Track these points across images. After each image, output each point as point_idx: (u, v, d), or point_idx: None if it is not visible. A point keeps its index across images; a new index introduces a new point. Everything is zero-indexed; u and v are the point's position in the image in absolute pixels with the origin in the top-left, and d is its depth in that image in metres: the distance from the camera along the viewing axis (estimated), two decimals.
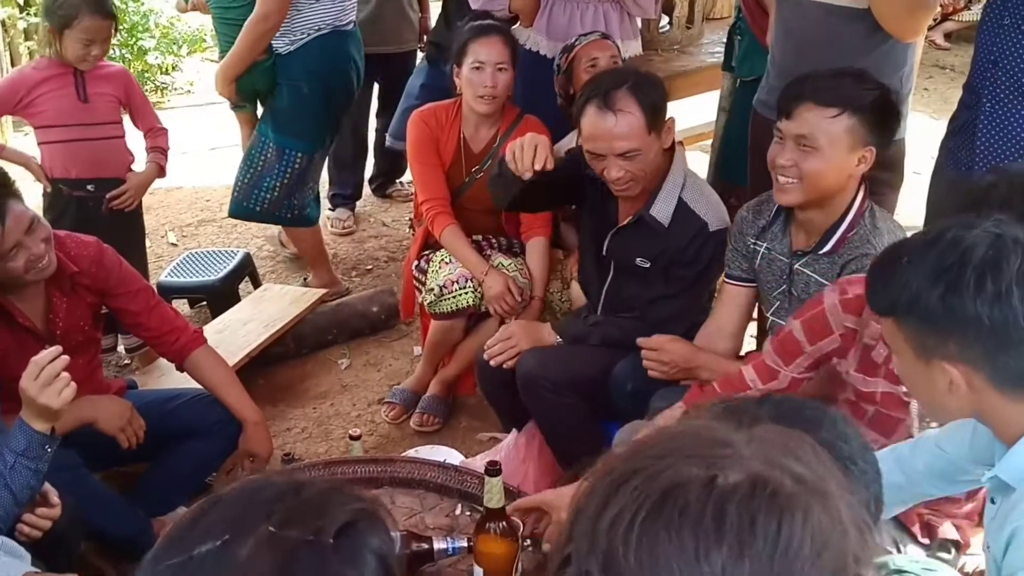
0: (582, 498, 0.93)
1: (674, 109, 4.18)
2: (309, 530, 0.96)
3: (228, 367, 3.31)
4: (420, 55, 5.41)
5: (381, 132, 5.45)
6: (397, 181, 5.93)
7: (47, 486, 2.43)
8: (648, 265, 3.08)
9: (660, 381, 2.88)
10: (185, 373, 3.23)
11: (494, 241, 3.92)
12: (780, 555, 0.83)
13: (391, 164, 5.83)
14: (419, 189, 3.88)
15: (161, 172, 4.23)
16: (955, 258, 1.61)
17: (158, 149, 4.22)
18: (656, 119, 2.93)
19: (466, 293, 3.62)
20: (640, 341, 2.91)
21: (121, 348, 4.31)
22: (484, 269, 3.63)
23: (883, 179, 3.03)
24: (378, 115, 5.61)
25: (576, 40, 3.74)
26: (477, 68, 3.60)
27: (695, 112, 5.46)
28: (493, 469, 2.25)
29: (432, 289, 3.66)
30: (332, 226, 5.60)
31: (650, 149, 2.93)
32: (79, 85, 3.85)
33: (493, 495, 2.24)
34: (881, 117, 2.55)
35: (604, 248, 3.18)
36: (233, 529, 0.97)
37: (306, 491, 1.03)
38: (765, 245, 2.81)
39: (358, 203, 5.81)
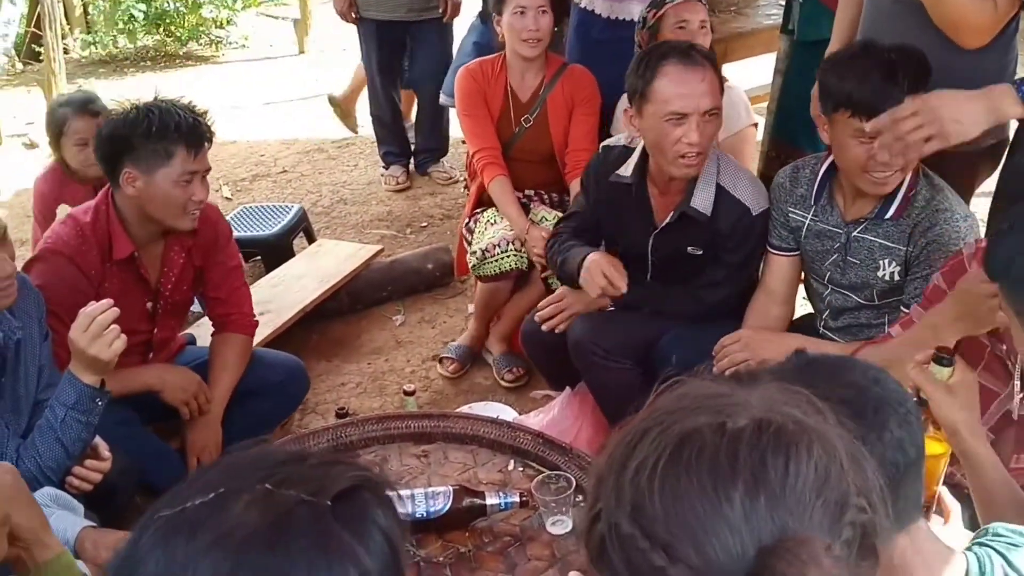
0: (603, 464, 0.98)
1: (730, 70, 4.12)
2: (307, 491, 0.94)
3: (241, 366, 3.17)
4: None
5: (427, 102, 5.41)
6: (441, 160, 5.79)
7: (98, 439, 2.45)
8: (700, 252, 3.01)
9: (709, 355, 2.83)
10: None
11: (545, 196, 3.90)
12: (790, 488, 0.88)
13: (435, 140, 5.73)
14: (470, 142, 3.89)
15: None
16: None
17: None
18: (722, 81, 2.87)
19: (508, 257, 3.62)
20: (716, 348, 2.85)
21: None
22: (524, 226, 3.62)
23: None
24: (413, 84, 5.52)
25: None
26: (519, 13, 3.60)
27: (752, 74, 5.35)
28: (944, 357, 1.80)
29: (475, 252, 3.66)
30: (386, 183, 5.64)
31: (721, 114, 2.86)
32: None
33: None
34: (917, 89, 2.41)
35: (649, 247, 3.08)
36: (229, 485, 0.95)
37: (311, 459, 1.02)
38: (810, 216, 2.75)
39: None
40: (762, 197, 2.93)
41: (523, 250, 3.63)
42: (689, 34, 3.35)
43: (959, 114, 2.20)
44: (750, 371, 1.08)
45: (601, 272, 2.90)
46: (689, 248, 3.00)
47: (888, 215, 2.61)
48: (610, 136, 3.42)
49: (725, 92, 2.94)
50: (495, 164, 3.76)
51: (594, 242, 3.18)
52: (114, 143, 2.75)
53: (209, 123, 2.85)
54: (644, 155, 2.96)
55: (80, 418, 2.36)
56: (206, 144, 2.81)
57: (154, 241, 2.92)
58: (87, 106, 3.67)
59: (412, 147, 5.77)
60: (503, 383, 3.83)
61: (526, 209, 3.78)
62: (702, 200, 2.91)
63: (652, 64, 2.80)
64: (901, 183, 2.57)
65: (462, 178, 5.45)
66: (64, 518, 2.14)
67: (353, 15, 5.16)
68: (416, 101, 5.63)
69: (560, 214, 3.70)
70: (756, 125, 3.73)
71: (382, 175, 5.68)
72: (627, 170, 3.01)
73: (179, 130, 2.72)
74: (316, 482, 0.96)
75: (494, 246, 3.63)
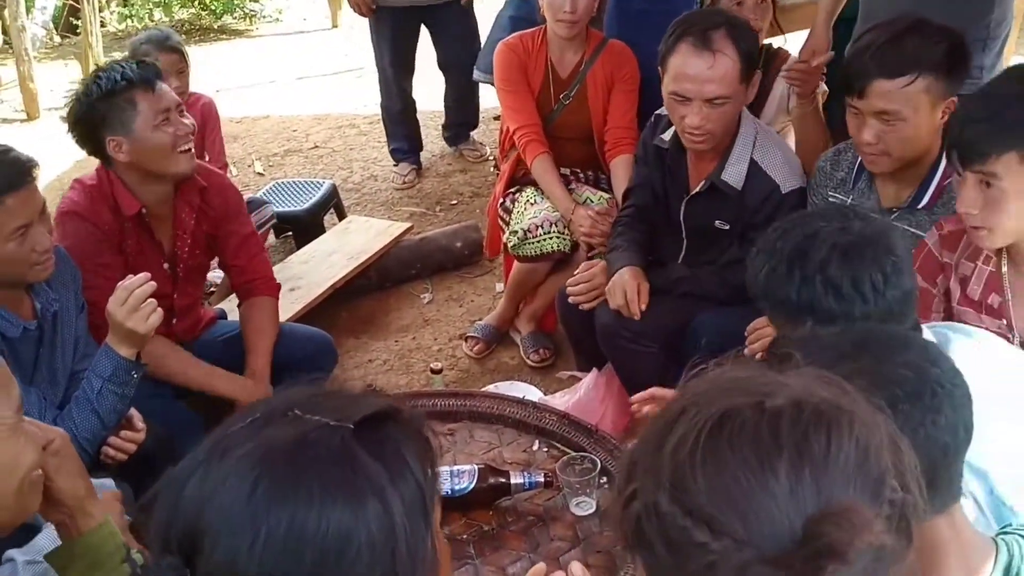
0: (637, 446, 0.98)
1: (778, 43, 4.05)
2: (332, 416, 1.01)
3: (275, 327, 3.17)
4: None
5: (457, 82, 5.37)
6: (471, 136, 5.77)
7: (132, 411, 2.49)
8: (728, 227, 2.98)
9: (739, 337, 2.81)
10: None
11: (582, 175, 3.86)
12: (832, 462, 0.89)
13: (465, 113, 5.69)
14: (510, 118, 3.80)
15: None
16: None
17: None
18: (750, 69, 2.80)
19: (551, 238, 3.57)
20: (749, 329, 2.78)
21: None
22: (570, 207, 3.58)
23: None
24: (440, 66, 5.46)
25: None
26: None
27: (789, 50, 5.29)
28: None
29: (516, 231, 3.62)
30: (394, 180, 5.57)
31: (738, 100, 2.81)
32: None
33: None
34: (954, 65, 2.42)
35: (681, 215, 3.07)
36: (264, 412, 1.04)
37: (345, 391, 1.10)
38: (849, 201, 2.72)
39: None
40: (794, 176, 2.90)
41: (566, 232, 3.58)
42: (747, 9, 3.31)
43: None
44: (785, 352, 1.06)
45: (623, 291, 2.96)
46: (717, 222, 2.99)
47: (922, 204, 2.56)
48: (654, 110, 3.38)
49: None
50: (538, 142, 3.69)
51: (656, 220, 3.17)
52: (84, 123, 2.76)
53: (149, 60, 2.88)
54: None
55: (116, 390, 2.40)
56: (159, 82, 2.79)
57: (161, 204, 2.94)
58: (166, 43, 3.95)
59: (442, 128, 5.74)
60: (529, 363, 3.84)
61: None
62: (734, 174, 2.90)
63: (673, 37, 2.80)
64: (934, 169, 2.53)
65: (492, 156, 5.44)
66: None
67: (372, 5, 5.01)
68: (446, 83, 5.55)
69: (603, 194, 3.72)
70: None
71: (392, 170, 5.62)
72: (667, 135, 3.01)
73: (126, 77, 2.72)
74: (342, 409, 1.03)
75: (536, 227, 3.58)
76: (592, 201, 3.66)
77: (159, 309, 2.38)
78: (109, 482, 2.07)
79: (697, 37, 2.73)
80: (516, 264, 3.78)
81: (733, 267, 2.96)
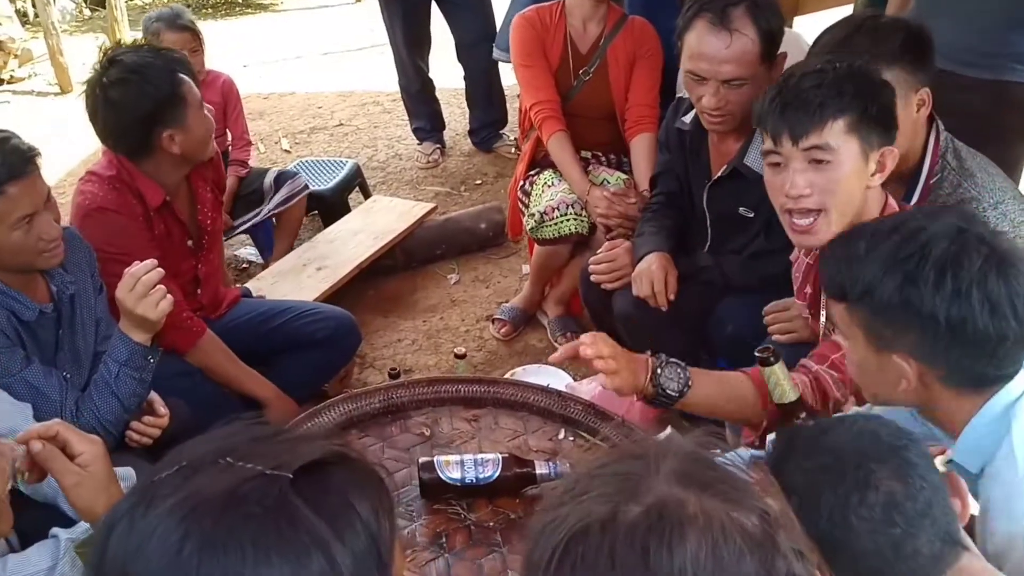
0: (527, 540, 0.97)
1: (802, 24, 4.01)
2: (268, 464, 0.92)
3: (226, 356, 3.05)
4: None
5: (476, 71, 5.27)
6: (501, 133, 5.63)
7: (154, 396, 2.49)
8: (752, 215, 2.89)
9: (764, 325, 2.77)
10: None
11: (603, 158, 3.79)
12: None
13: (493, 111, 5.53)
14: (527, 94, 3.71)
15: (237, 184, 4.27)
16: (915, 249, 1.53)
17: (239, 163, 4.30)
18: (772, 48, 2.67)
19: (567, 220, 3.52)
20: (767, 309, 2.76)
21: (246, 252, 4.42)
22: (586, 188, 3.51)
23: (1010, 123, 2.77)
24: (459, 59, 5.35)
25: None
26: None
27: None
28: (764, 357, 1.95)
29: (533, 214, 3.57)
30: (418, 160, 5.53)
31: (758, 81, 2.64)
32: None
33: (780, 387, 1.95)
34: (914, 59, 2.32)
35: (704, 200, 2.99)
36: (193, 459, 0.95)
37: (283, 434, 1.00)
38: None
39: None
40: None
41: (583, 214, 3.52)
42: None
43: None
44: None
45: (650, 281, 2.88)
46: (741, 209, 2.91)
47: (912, 203, 2.47)
48: (673, 91, 3.34)
49: (791, 40, 2.81)
50: (554, 119, 3.61)
51: (682, 206, 3.12)
52: (142, 122, 2.71)
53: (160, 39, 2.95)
54: None
55: (133, 374, 2.41)
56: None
57: (179, 185, 2.95)
58: (176, 21, 4.00)
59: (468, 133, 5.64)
60: (557, 346, 3.82)
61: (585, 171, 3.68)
62: (756, 158, 2.76)
63: (691, 12, 2.69)
64: (920, 167, 2.44)
65: (514, 138, 5.39)
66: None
67: None
68: (465, 75, 5.39)
69: (621, 175, 3.65)
70: None
71: (416, 150, 5.58)
72: (688, 117, 2.95)
73: (171, 66, 2.72)
74: (280, 455, 0.94)
75: (553, 209, 3.53)
76: (609, 182, 3.60)
77: (169, 296, 2.37)
78: (130, 471, 2.08)
79: (715, 14, 2.62)
80: (536, 248, 3.75)
81: (759, 258, 2.94)
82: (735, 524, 0.88)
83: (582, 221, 3.53)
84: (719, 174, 2.91)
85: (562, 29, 3.66)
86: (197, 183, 3.02)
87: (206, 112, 2.82)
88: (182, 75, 2.74)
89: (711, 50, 2.63)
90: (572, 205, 3.52)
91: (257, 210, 4.23)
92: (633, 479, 0.92)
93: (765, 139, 2.03)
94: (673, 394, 2.11)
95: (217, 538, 0.88)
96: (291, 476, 0.91)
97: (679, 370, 2.13)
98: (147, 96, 2.68)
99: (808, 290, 2.22)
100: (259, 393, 3.03)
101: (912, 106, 2.34)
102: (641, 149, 3.59)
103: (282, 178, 4.28)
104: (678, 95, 3.10)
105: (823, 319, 2.20)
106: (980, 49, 2.79)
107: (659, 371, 2.11)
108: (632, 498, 0.90)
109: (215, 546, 0.87)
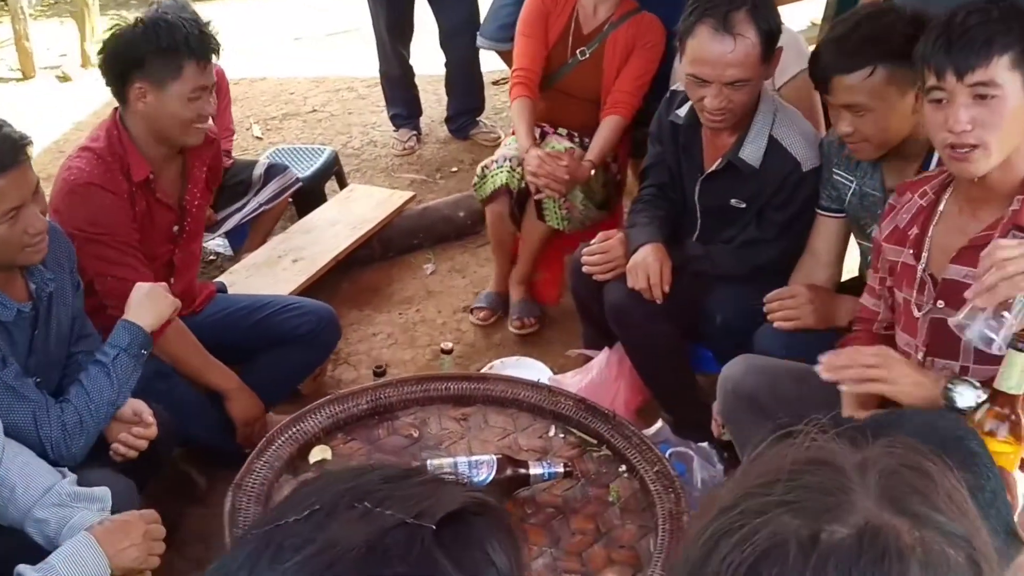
0: (682, 558, 0.85)
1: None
2: (409, 512, 0.83)
3: (190, 342, 2.97)
4: None
5: (458, 60, 5.20)
6: (478, 120, 5.53)
7: (142, 405, 2.42)
8: (744, 206, 2.90)
9: (754, 315, 2.75)
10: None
11: (587, 140, 3.71)
12: None
13: (471, 99, 5.45)
14: (516, 59, 3.71)
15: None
16: None
17: (224, 153, 4.16)
18: (771, 48, 2.69)
19: (501, 172, 3.57)
20: (768, 297, 2.75)
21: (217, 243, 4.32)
22: (527, 146, 3.49)
23: None
24: (442, 46, 5.27)
25: None
26: None
27: (793, 22, 5.21)
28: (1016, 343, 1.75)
29: (478, 172, 3.61)
30: (393, 147, 5.44)
31: (758, 80, 2.72)
32: None
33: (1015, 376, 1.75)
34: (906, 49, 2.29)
35: (696, 194, 2.99)
36: (324, 502, 0.85)
37: (417, 476, 0.90)
38: (855, 182, 2.66)
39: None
40: (814, 154, 2.81)
41: (518, 168, 3.55)
42: None
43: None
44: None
45: (645, 273, 2.84)
46: (733, 200, 2.91)
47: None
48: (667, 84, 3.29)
49: (788, 36, 2.84)
50: (525, 86, 3.62)
51: (678, 199, 3.09)
52: (123, 58, 2.71)
53: (215, 33, 2.81)
54: None
55: (129, 362, 2.38)
56: (214, 57, 2.78)
57: (169, 160, 2.90)
58: (181, 13, 3.83)
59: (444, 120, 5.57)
60: (512, 331, 3.81)
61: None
62: (752, 152, 2.81)
63: (692, 17, 2.70)
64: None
65: (503, 134, 5.32)
66: (84, 523, 2.04)
67: None
68: (445, 61, 5.30)
69: (569, 144, 3.64)
70: None
71: (392, 137, 5.49)
72: (682, 112, 2.93)
73: (188, 43, 2.68)
74: (420, 503, 0.85)
75: (492, 162, 3.59)
76: (554, 147, 3.58)
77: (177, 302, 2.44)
78: (106, 492, 2.03)
79: (718, 20, 2.63)
80: (487, 214, 3.78)
81: (750, 247, 2.94)
82: (950, 560, 0.79)
83: (514, 175, 3.57)
84: (713, 167, 2.89)
85: (571, 5, 3.66)
86: (193, 163, 2.96)
87: (200, 104, 2.75)
88: (194, 53, 2.69)
89: (714, 55, 2.64)
90: (509, 159, 3.57)
91: (243, 202, 4.09)
92: (832, 494, 0.81)
93: (928, 76, 2.00)
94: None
95: None
96: (434, 527, 0.82)
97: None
98: (140, 33, 2.67)
99: (914, 231, 2.19)
100: (222, 385, 2.96)
101: (913, 94, 2.37)
102: (605, 127, 3.60)
103: (272, 171, 4.12)
104: (672, 88, 3.06)
105: (923, 261, 2.17)
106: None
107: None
108: (835, 518, 0.78)
109: None
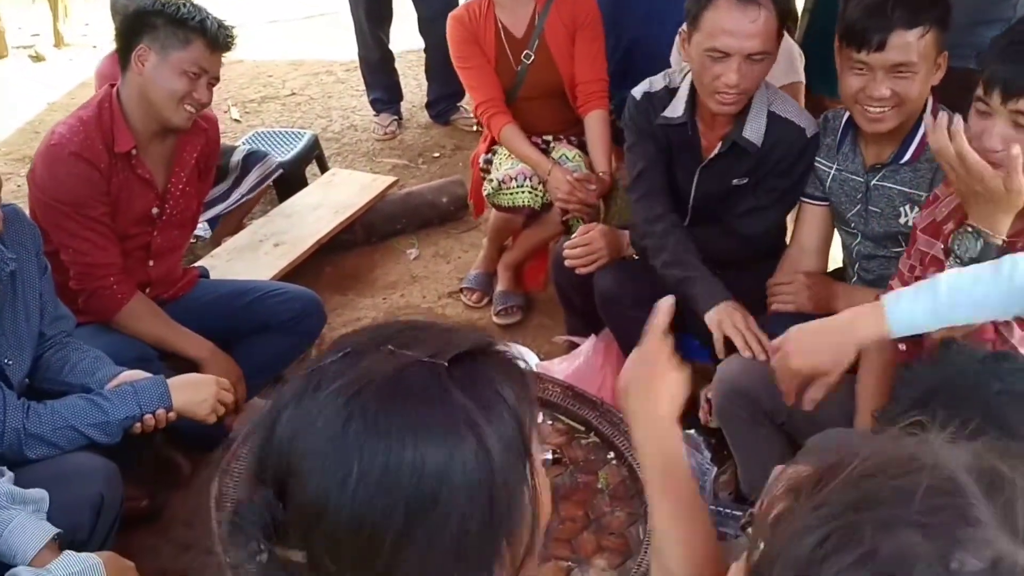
0: (783, 522, 0.83)
1: None
2: (426, 352, 0.98)
3: (155, 312, 2.98)
4: None
5: (437, 43, 5.07)
6: (459, 105, 5.49)
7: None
8: (746, 181, 2.87)
9: (742, 301, 2.72)
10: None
11: (562, 138, 3.73)
12: None
13: (448, 86, 5.33)
14: (471, 94, 3.69)
15: None
16: None
17: None
18: (784, 25, 2.66)
19: (523, 192, 3.51)
20: (771, 281, 2.75)
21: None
22: (547, 168, 3.48)
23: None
24: (421, 31, 5.26)
25: None
26: None
27: None
28: None
29: (492, 180, 3.56)
30: (374, 131, 5.41)
31: (773, 56, 2.65)
32: None
33: None
34: (944, 26, 2.37)
35: (693, 184, 2.93)
36: (357, 345, 1.01)
37: (434, 327, 1.06)
38: (835, 167, 2.67)
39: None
40: (813, 124, 2.79)
41: (539, 188, 3.51)
42: None
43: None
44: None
45: (741, 336, 2.63)
46: (735, 181, 2.88)
47: (904, 159, 2.52)
48: (642, 70, 3.25)
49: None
50: (500, 114, 3.57)
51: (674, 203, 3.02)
52: (137, 19, 2.79)
53: (233, 35, 2.87)
54: (693, 90, 2.82)
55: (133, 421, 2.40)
56: (224, 51, 2.84)
57: (157, 140, 2.89)
58: None
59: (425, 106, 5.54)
60: (495, 320, 3.81)
61: (546, 153, 3.64)
62: (754, 130, 2.78)
63: None
64: (917, 124, 2.48)
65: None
66: (24, 528, 2.01)
67: None
68: (425, 46, 5.28)
69: (579, 152, 3.61)
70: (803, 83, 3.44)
71: (372, 122, 5.47)
72: (675, 110, 2.87)
73: (204, 24, 2.77)
74: (436, 345, 0.99)
75: (511, 178, 3.52)
76: (568, 158, 3.56)
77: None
78: (44, 494, 2.03)
79: None
80: (494, 212, 3.75)
81: (749, 216, 2.91)
82: None
83: (537, 196, 3.52)
84: (716, 152, 2.85)
85: (491, 19, 3.59)
86: (183, 148, 2.96)
87: (195, 85, 2.78)
88: (202, 29, 2.75)
89: (738, 25, 2.56)
90: (530, 178, 3.51)
91: (225, 189, 4.04)
92: (951, 515, 0.76)
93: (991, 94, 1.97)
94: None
95: (381, 418, 0.93)
96: (446, 364, 0.97)
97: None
98: (165, 3, 2.77)
99: (949, 226, 2.17)
100: (194, 352, 2.92)
101: (935, 66, 2.40)
102: (595, 127, 3.57)
103: (251, 159, 4.08)
104: (641, 92, 2.98)
105: None
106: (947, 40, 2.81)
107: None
108: (959, 544, 0.74)
109: (379, 425, 0.93)
